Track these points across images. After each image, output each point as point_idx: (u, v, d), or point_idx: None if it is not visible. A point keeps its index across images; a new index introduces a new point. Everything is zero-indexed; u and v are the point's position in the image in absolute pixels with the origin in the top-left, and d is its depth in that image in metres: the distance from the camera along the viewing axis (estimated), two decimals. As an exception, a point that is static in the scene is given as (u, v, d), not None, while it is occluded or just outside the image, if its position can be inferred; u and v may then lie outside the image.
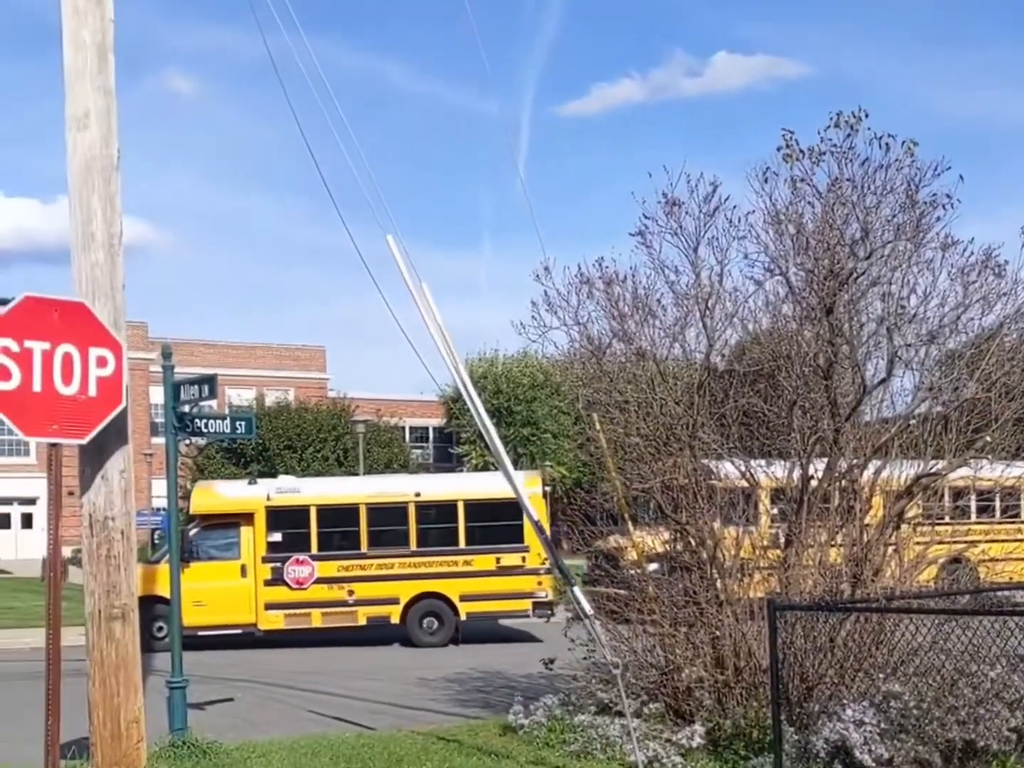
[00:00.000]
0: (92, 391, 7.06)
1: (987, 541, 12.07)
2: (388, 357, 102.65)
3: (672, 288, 11.04)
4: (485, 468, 48.14)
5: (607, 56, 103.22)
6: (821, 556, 10.28)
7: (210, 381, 11.95)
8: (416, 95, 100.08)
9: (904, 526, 10.63)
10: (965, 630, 8.77)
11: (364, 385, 59.59)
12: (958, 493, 12.65)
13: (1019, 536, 14.93)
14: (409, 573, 21.69)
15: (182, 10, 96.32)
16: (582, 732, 10.07)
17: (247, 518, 21.49)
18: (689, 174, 10.52)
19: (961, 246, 10.35)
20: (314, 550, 21.53)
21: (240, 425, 13.06)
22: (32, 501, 52.57)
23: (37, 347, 6.84)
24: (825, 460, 10.50)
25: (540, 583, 21.59)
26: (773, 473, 10.91)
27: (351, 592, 21.53)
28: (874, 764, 8.25)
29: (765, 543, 10.93)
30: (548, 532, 21.52)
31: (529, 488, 21.77)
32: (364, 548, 21.72)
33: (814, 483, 10.45)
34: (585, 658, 10.83)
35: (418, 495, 22.09)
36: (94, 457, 7.37)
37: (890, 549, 10.40)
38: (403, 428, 59.57)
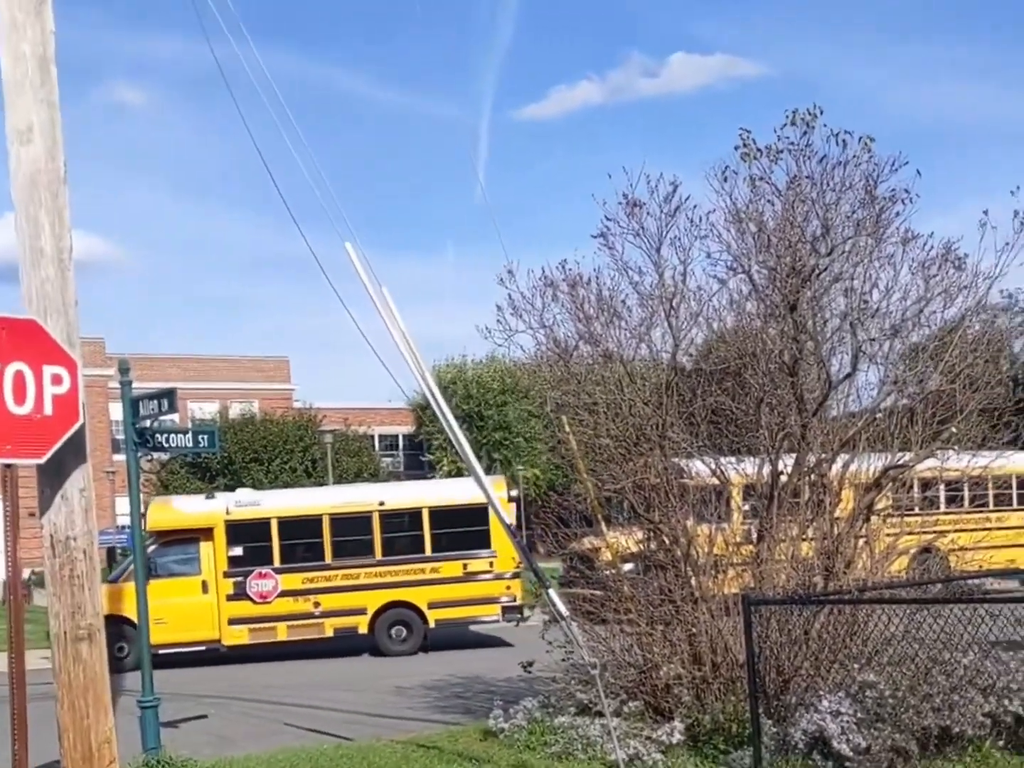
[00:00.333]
0: (48, 409, 6.94)
1: (956, 531, 12.14)
2: (355, 366, 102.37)
3: (636, 289, 11.06)
4: (458, 474, 48.02)
5: (565, 59, 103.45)
6: (793, 550, 10.32)
7: (169, 395, 11.83)
8: (374, 103, 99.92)
9: (874, 518, 10.70)
10: (937, 619, 8.84)
11: (331, 395, 59.40)
12: (926, 484, 12.73)
13: (987, 525, 15.07)
14: (376, 582, 21.55)
15: (129, 21, 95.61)
16: (563, 733, 10.09)
17: (206, 533, 21.26)
18: (649, 175, 10.56)
19: (921, 240, 10.45)
20: (277, 563, 21.33)
21: (203, 439, 12.94)
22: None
23: (-15, 367, 6.71)
24: (794, 455, 10.54)
25: (508, 588, 21.66)
26: (743, 470, 10.95)
27: (317, 604, 21.35)
28: (852, 753, 8.30)
29: (738, 539, 10.97)
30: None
31: (495, 493, 21.73)
32: (329, 559, 21.55)
33: (784, 478, 10.49)
34: (563, 660, 10.81)
35: (382, 504, 21.97)
36: (53, 476, 7.25)
37: (861, 541, 10.46)
38: (372, 437, 59.35)
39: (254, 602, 21.13)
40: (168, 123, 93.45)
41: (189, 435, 12.86)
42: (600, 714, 9.66)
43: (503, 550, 21.60)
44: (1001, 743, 8.80)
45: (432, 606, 21.54)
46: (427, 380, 9.22)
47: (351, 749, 11.11)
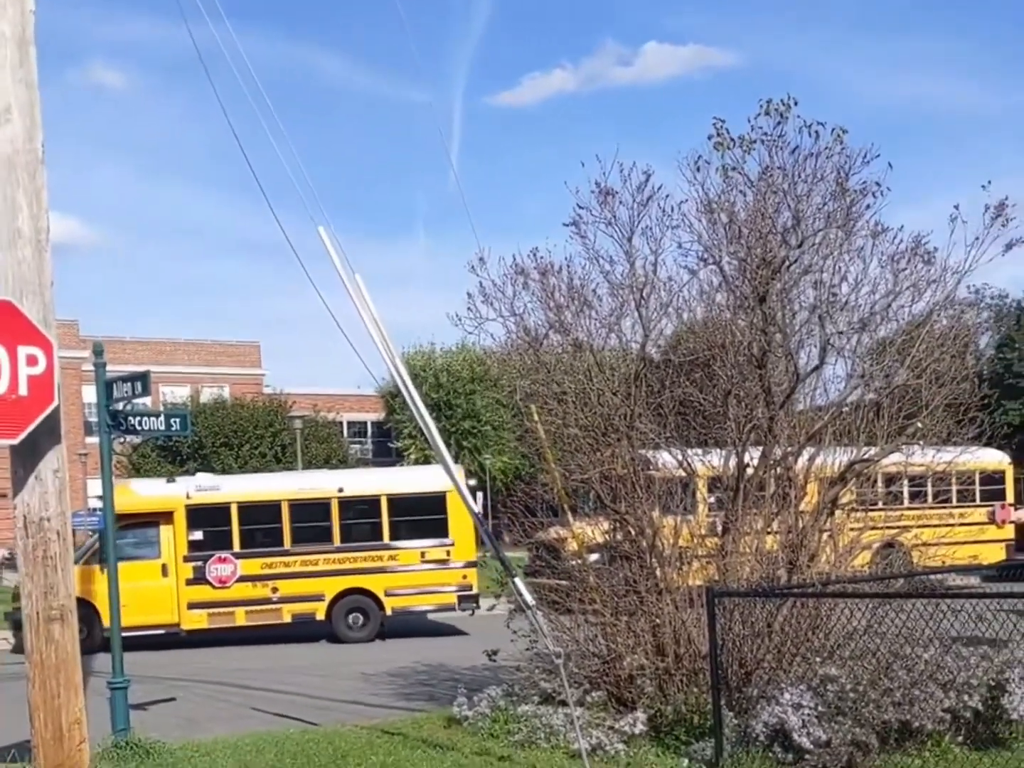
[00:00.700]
0: (23, 390, 6.94)
1: (919, 526, 12.28)
2: (325, 352, 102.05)
3: (607, 278, 11.10)
4: (425, 462, 48.06)
5: (539, 47, 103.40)
6: (758, 543, 10.41)
7: (143, 378, 11.80)
8: (347, 87, 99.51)
9: (838, 512, 10.79)
10: (899, 613, 8.96)
11: (301, 380, 59.29)
12: (891, 479, 12.85)
13: (951, 520, 15.24)
14: (333, 569, 21.63)
15: (107, 1, 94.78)
16: (526, 722, 10.13)
17: (166, 517, 21.23)
18: (622, 164, 10.58)
19: (891, 234, 10.54)
20: (236, 548, 21.35)
21: (175, 422, 12.92)
22: (-37, 503, 51.59)
23: (-37, 347, 6.72)
24: (760, 448, 10.63)
25: (465, 576, 21.77)
26: (710, 462, 11.03)
27: (275, 589, 21.42)
28: (812, 746, 8.38)
29: (703, 531, 11.05)
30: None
31: (463, 481, 21.81)
32: (287, 545, 21.60)
33: (750, 471, 10.58)
34: (528, 649, 10.86)
35: (341, 491, 22.02)
36: (27, 457, 7.25)
37: (825, 535, 10.55)
38: (341, 423, 59.28)
39: (213, 587, 21.15)
40: (144, 105, 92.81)
41: (161, 418, 12.83)
42: (564, 703, 9.73)
43: (460, 539, 21.79)
44: (960, 738, 8.91)
45: (389, 593, 21.64)
46: (398, 367, 9.24)
47: (317, 734, 11.16)
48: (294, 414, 46.81)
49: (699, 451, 11.11)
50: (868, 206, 10.43)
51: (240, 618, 21.35)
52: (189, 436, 40.11)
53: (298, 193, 8.72)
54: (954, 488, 19.99)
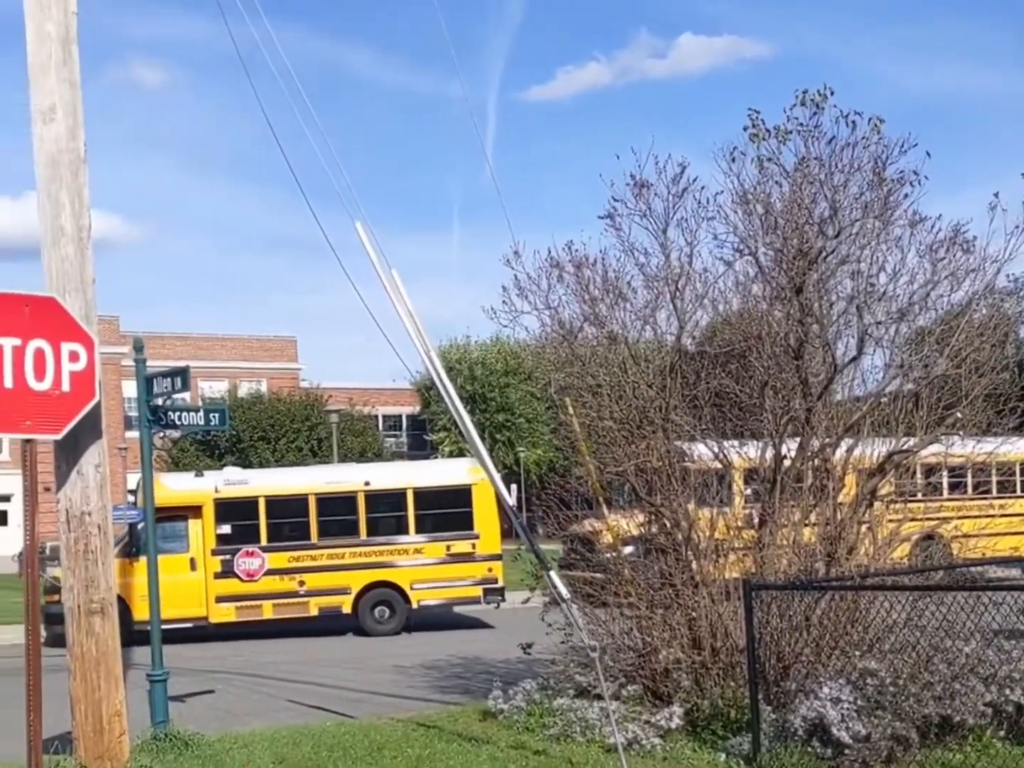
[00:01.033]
0: (65, 386, 7.02)
1: (959, 517, 12.14)
2: (361, 346, 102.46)
3: (642, 270, 11.04)
4: (460, 455, 48.16)
5: (573, 39, 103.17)
6: (795, 535, 10.33)
7: (182, 373, 11.89)
8: (382, 81, 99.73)
9: (877, 504, 10.69)
10: (939, 606, 8.86)
11: (337, 374, 59.47)
12: (930, 470, 12.73)
13: (991, 512, 15.07)
14: (360, 562, 21.69)
15: (147, 1, 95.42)
16: (561, 716, 10.11)
17: (195, 511, 21.30)
18: (657, 156, 10.53)
19: (929, 223, 10.39)
20: (264, 541, 21.42)
21: (213, 417, 13.01)
22: (7, 498, 52.11)
23: (8, 343, 6.79)
24: (797, 440, 10.55)
25: (490, 569, 21.80)
26: (746, 454, 10.95)
27: (302, 583, 21.46)
28: (851, 741, 8.31)
29: (739, 524, 10.98)
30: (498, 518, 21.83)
31: (478, 475, 21.91)
32: (314, 538, 21.66)
33: (787, 463, 10.48)
34: (563, 642, 10.84)
35: (367, 484, 22.05)
36: (69, 452, 7.34)
37: (863, 527, 10.46)
38: (376, 417, 59.50)
39: (241, 580, 21.21)
40: (183, 102, 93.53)
41: (200, 413, 12.93)
42: (599, 697, 9.70)
43: (486, 532, 21.85)
44: (1002, 733, 8.80)
45: (415, 587, 21.66)
46: (432, 359, 9.25)
47: (353, 727, 11.21)
48: (330, 408, 47.09)
49: (735, 443, 11.04)
50: (906, 195, 10.31)
51: (267, 611, 21.42)
52: (227, 430, 40.44)
53: (335, 188, 8.76)
54: (994, 479, 19.80)
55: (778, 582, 9.77)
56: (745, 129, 10.34)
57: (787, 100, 10.21)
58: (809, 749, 8.50)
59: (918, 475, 12.49)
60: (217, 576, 21.23)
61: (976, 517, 12.40)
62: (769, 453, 10.62)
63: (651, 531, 11.18)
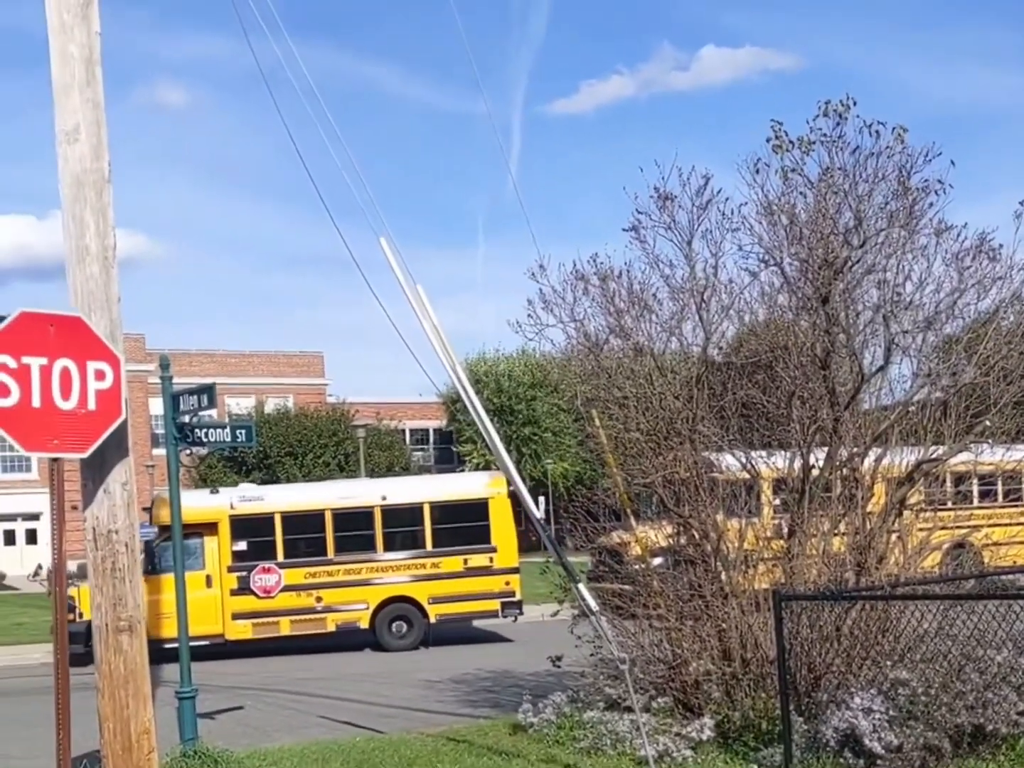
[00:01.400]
0: (91, 405, 7.05)
1: (990, 525, 12.05)
2: (387, 361, 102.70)
3: (667, 282, 11.04)
4: (486, 467, 48.18)
5: (596, 53, 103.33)
6: (824, 545, 10.28)
7: (209, 390, 11.96)
8: (406, 98, 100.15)
9: (906, 513, 10.62)
10: (971, 615, 8.79)
11: (363, 389, 59.59)
12: (959, 478, 12.63)
13: (1022, 520, 14.92)
14: (377, 578, 21.69)
15: (171, 21, 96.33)
16: (592, 728, 10.08)
17: (211, 528, 21.26)
18: (681, 168, 10.55)
19: (955, 231, 10.36)
20: (280, 558, 21.38)
21: (240, 433, 13.07)
22: (36, 516, 52.54)
23: (35, 362, 6.83)
24: (825, 449, 10.50)
25: (507, 583, 21.76)
26: (774, 464, 10.91)
27: (319, 599, 21.43)
28: (883, 751, 8.26)
29: (768, 534, 10.93)
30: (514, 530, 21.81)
31: (495, 488, 21.90)
32: (331, 554, 21.63)
33: (815, 472, 10.44)
34: (592, 655, 10.82)
35: (384, 499, 22.04)
36: (96, 471, 7.36)
37: (893, 536, 10.40)
38: (403, 431, 59.63)
39: (258, 597, 21.18)
40: (207, 120, 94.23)
41: (227, 430, 12.97)
42: (629, 709, 9.67)
43: (503, 545, 21.83)
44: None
45: (433, 601, 21.62)
46: (458, 373, 9.26)
47: (382, 742, 11.21)
48: (357, 423, 47.14)
49: (763, 453, 11.00)
50: (931, 204, 10.27)
51: (284, 628, 21.38)
52: (254, 447, 40.59)
53: (359, 204, 8.79)
54: (1025, 487, 19.59)
55: (808, 592, 9.72)
56: (768, 140, 10.33)
57: (810, 111, 10.21)
58: (841, 760, 8.45)
59: (948, 484, 12.39)
60: (233, 593, 21.20)
61: (1007, 525, 12.27)
62: (797, 463, 10.58)
63: (680, 542, 11.14)
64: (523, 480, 9.81)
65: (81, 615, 20.00)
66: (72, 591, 22.13)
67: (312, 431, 49.85)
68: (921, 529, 10.71)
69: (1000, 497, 15.32)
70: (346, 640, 21.77)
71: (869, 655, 9.58)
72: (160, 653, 15.67)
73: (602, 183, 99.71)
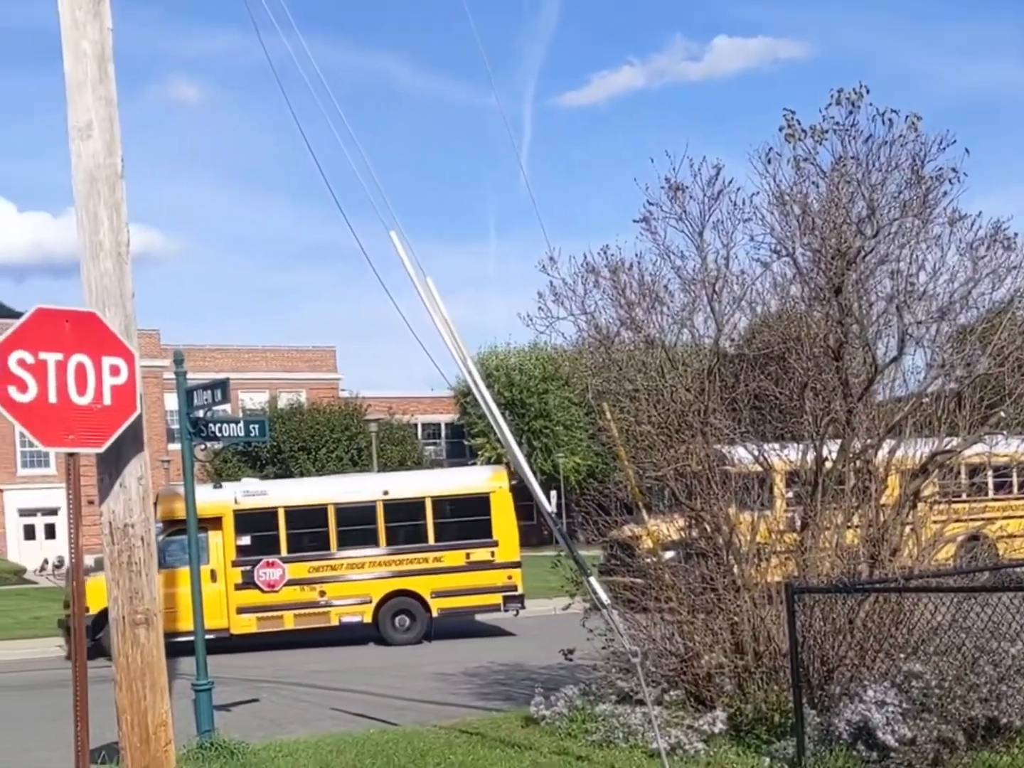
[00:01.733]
0: (107, 400, 7.09)
1: (1005, 517, 12.02)
2: (398, 355, 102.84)
3: (679, 273, 11.00)
4: (498, 461, 48.24)
5: (607, 45, 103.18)
6: (838, 538, 10.26)
7: (223, 385, 11.99)
8: (417, 91, 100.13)
9: (920, 505, 10.58)
10: (985, 607, 8.75)
11: (375, 384, 59.84)
12: (974, 470, 12.58)
13: (1037, 511, 14.88)
14: (380, 572, 21.70)
15: (182, 17, 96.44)
16: (604, 721, 10.09)
17: (214, 522, 21.20)
18: (692, 158, 10.50)
19: (969, 220, 10.28)
20: (284, 552, 21.41)
21: (254, 428, 13.10)
22: (54, 511, 52.77)
23: (51, 358, 6.87)
24: (839, 441, 10.47)
25: (510, 577, 21.80)
26: (787, 456, 10.88)
27: (323, 593, 21.46)
28: (897, 744, 8.23)
29: (781, 527, 10.91)
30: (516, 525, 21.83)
31: (496, 482, 21.94)
32: (334, 548, 21.67)
33: (828, 465, 10.41)
34: (604, 648, 10.82)
35: (386, 493, 22.06)
36: (111, 465, 7.40)
37: (907, 528, 10.35)
38: (415, 425, 59.69)
39: (262, 591, 21.19)
40: (220, 117, 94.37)
41: (241, 425, 13.01)
42: (641, 702, 9.67)
43: (505, 540, 21.87)
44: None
45: (435, 595, 21.64)
46: (469, 367, 9.26)
47: (396, 734, 11.24)
48: (369, 417, 47.27)
49: (775, 445, 10.97)
50: (945, 193, 10.20)
51: (288, 622, 21.41)
52: (268, 442, 40.69)
53: (369, 199, 8.79)
54: (1040, 478, 19.54)
55: (821, 585, 9.70)
56: (781, 130, 10.28)
57: (822, 100, 10.16)
58: (854, 753, 8.43)
59: (962, 475, 12.36)
60: (237, 587, 21.20)
61: (1021, 517, 12.25)
62: (810, 455, 10.54)
63: (691, 535, 11.13)
64: (534, 474, 9.80)
65: (87, 609, 20.05)
66: None
67: (325, 426, 49.93)
68: (935, 521, 10.66)
69: (1015, 489, 15.29)
70: (349, 634, 21.81)
71: (882, 648, 9.56)
72: (167, 647, 15.70)
73: (613, 175, 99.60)
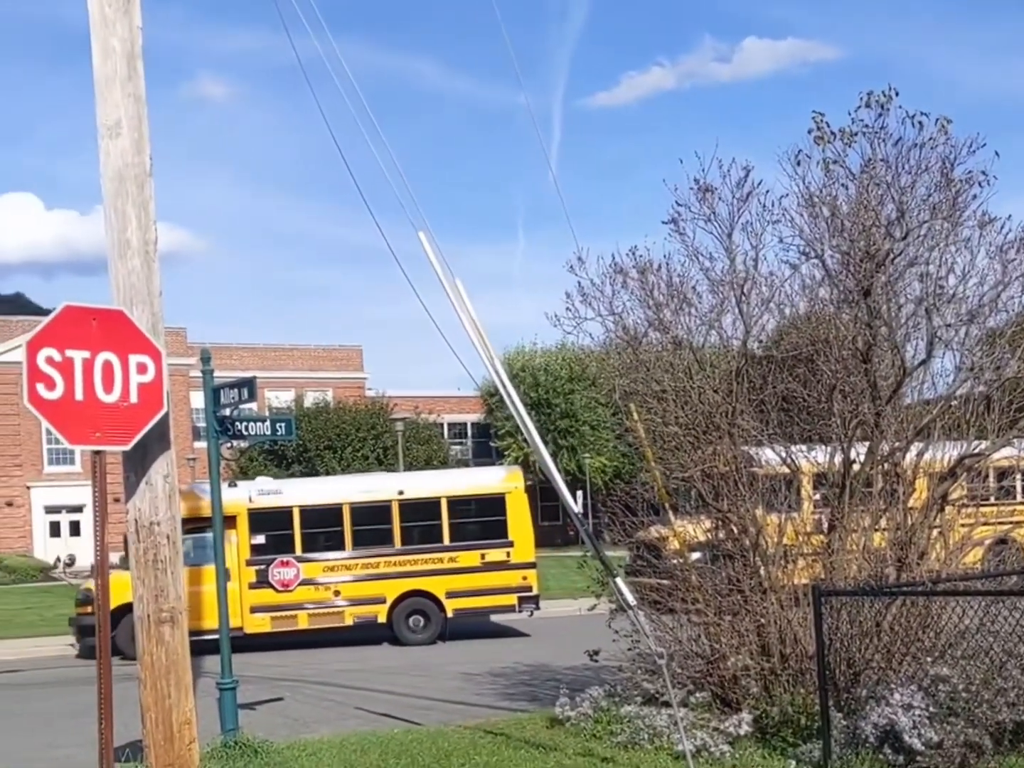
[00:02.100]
0: (133, 398, 7.13)
1: (1034, 521, 11.89)
2: (425, 355, 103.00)
3: (707, 275, 10.95)
4: (524, 461, 48.24)
5: (636, 45, 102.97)
6: (865, 541, 10.19)
7: (249, 384, 12.01)
8: (447, 92, 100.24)
9: (948, 508, 10.51)
10: (1013, 611, 8.68)
11: (401, 383, 60.04)
12: (1003, 473, 12.48)
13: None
14: (394, 572, 21.63)
15: (213, 17, 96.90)
16: (629, 723, 10.05)
17: (229, 521, 20.61)
18: (721, 160, 10.45)
19: (999, 223, 10.19)
20: (298, 551, 21.40)
21: (280, 427, 13.12)
22: (79, 509, 53.19)
23: (78, 356, 6.91)
24: (867, 444, 10.40)
25: (525, 578, 21.77)
26: (814, 458, 10.82)
27: (337, 592, 21.44)
28: (924, 748, 8.18)
29: (808, 529, 10.85)
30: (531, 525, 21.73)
31: (512, 483, 21.92)
32: (349, 548, 21.64)
33: (856, 467, 10.35)
34: (630, 649, 10.78)
35: (401, 493, 22.04)
36: (137, 463, 7.44)
37: (935, 532, 10.28)
38: (441, 425, 59.75)
39: (276, 590, 21.16)
40: (248, 116, 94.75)
41: (267, 423, 13.02)
42: (667, 704, 9.63)
43: (520, 540, 21.85)
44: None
45: (450, 595, 21.60)
46: (497, 368, 9.26)
47: (420, 734, 11.23)
48: (395, 416, 47.31)
49: (803, 447, 10.91)
50: (975, 196, 10.12)
51: (303, 621, 21.38)
52: (294, 440, 40.84)
53: (398, 199, 8.80)
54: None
55: (848, 588, 9.64)
56: (810, 132, 10.23)
57: (851, 102, 10.11)
58: (880, 756, 8.38)
59: (991, 479, 12.25)
60: (252, 587, 21.15)
61: (1051, 521, 12.10)
62: (838, 458, 10.48)
63: (718, 537, 11.08)
64: (560, 474, 9.78)
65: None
66: (88, 583, 22.27)
67: (351, 424, 50.04)
68: (963, 525, 10.58)
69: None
70: (362, 634, 21.79)
71: (909, 651, 9.49)
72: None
73: (642, 175, 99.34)
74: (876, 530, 10.26)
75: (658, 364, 11.32)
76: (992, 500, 12.27)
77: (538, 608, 22.08)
